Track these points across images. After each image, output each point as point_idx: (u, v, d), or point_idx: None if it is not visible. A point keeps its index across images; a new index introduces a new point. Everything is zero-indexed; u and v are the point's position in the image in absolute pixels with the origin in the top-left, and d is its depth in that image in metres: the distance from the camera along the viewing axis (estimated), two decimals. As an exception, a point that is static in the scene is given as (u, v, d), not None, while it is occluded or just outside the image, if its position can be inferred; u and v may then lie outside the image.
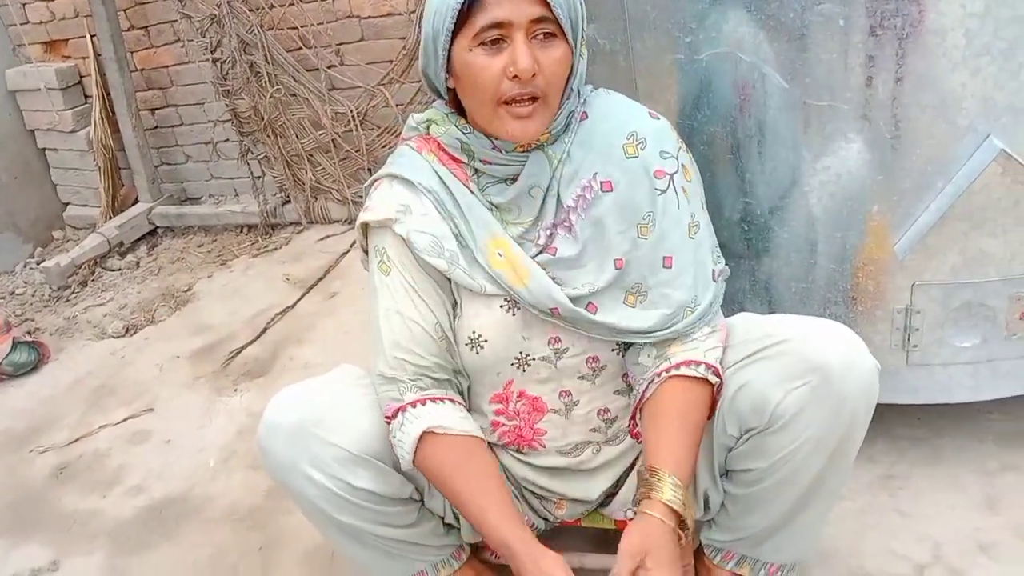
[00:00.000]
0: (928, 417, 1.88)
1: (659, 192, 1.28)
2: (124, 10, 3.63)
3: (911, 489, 1.76)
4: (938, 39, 1.40)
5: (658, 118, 1.32)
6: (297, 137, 3.51)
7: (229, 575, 1.94)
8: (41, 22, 3.85)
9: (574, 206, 1.29)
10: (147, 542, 2.09)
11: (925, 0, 1.38)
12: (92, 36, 3.68)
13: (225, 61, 3.41)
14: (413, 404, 1.29)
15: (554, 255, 1.30)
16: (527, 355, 1.34)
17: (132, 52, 3.72)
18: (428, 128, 1.34)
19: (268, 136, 3.53)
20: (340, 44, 3.33)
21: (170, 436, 2.49)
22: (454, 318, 1.34)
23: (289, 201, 3.72)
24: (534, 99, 1.20)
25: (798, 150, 1.56)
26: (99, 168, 3.85)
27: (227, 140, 3.77)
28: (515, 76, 1.17)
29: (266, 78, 3.38)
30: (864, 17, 1.41)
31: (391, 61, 3.29)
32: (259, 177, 3.71)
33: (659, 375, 1.29)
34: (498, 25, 1.16)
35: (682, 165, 1.30)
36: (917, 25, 1.40)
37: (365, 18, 3.30)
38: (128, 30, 3.67)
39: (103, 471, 2.40)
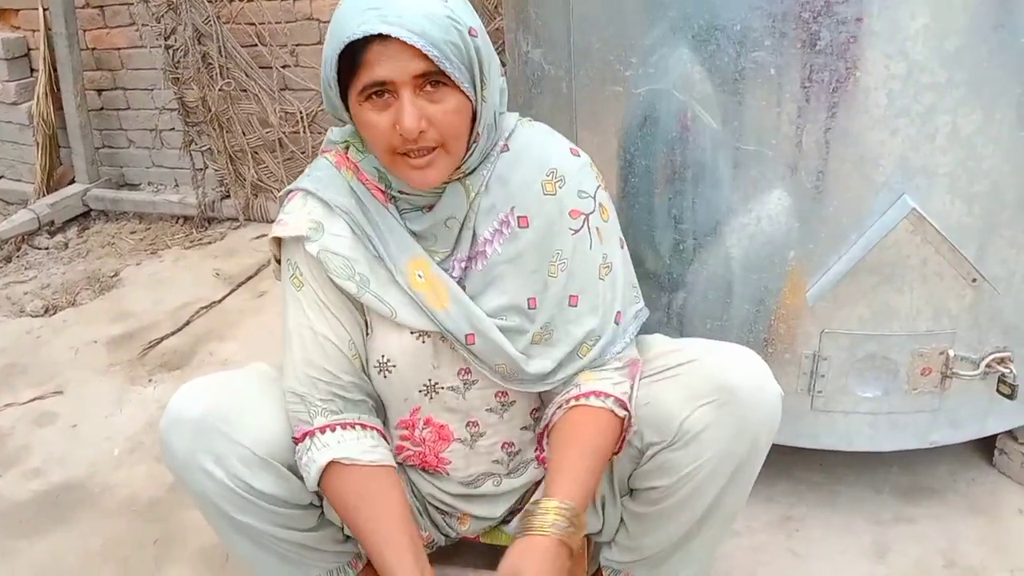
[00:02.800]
0: (830, 463, 1.93)
1: (572, 232, 1.28)
2: (80, -13, 3.58)
3: (806, 532, 1.80)
4: (862, 96, 1.46)
5: (579, 155, 1.31)
6: (243, 133, 3.49)
7: (120, 567, 1.89)
8: (-8, -11, 3.78)
9: (491, 239, 1.28)
10: (39, 527, 2.03)
11: (853, 58, 1.44)
12: (45, 10, 3.61)
13: (178, 49, 3.38)
14: (322, 430, 1.27)
15: (465, 287, 1.29)
16: (436, 383, 1.33)
17: (84, 30, 3.66)
18: (347, 149, 1.31)
19: (214, 129, 3.49)
20: (297, 45, 3.33)
21: (76, 421, 2.43)
22: (365, 338, 1.32)
23: (228, 196, 3.68)
24: (433, 148, 1.17)
25: (724, 191, 1.60)
26: (37, 144, 3.76)
27: (172, 129, 3.73)
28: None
29: (218, 70, 3.36)
30: (795, 69, 1.47)
31: (346, 67, 3.29)
32: (200, 169, 3.66)
33: (567, 402, 1.29)
34: (380, 83, 1.12)
35: (599, 205, 1.30)
36: (844, 81, 1.46)
37: (324, 21, 3.30)
38: (83, 7, 3.62)
39: (2, 451, 2.32)
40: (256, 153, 3.52)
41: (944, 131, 1.46)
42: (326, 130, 3.41)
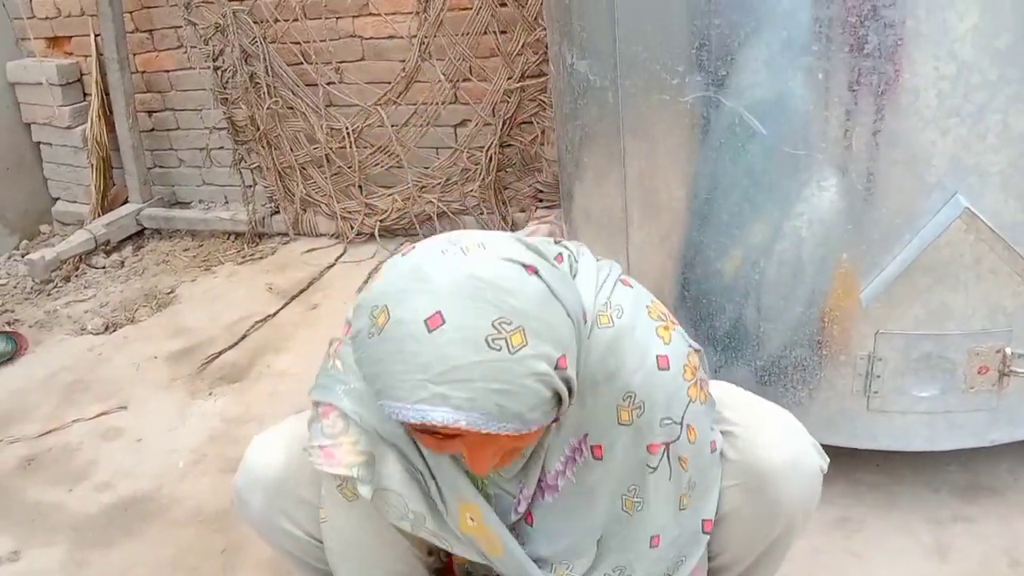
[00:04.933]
0: (887, 464, 1.92)
1: (651, 470, 1.12)
2: (130, 12, 3.67)
3: (865, 532, 1.79)
4: (912, 98, 1.47)
5: (668, 366, 1.08)
6: (291, 149, 3.56)
7: (189, 575, 1.95)
8: (47, 18, 3.89)
9: (562, 470, 1.13)
10: (110, 538, 2.10)
11: (901, 60, 1.45)
12: (96, 35, 3.72)
13: (226, 70, 3.46)
14: None
15: (532, 525, 1.16)
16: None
17: (134, 54, 3.76)
18: None
19: (262, 146, 3.57)
20: (340, 62, 3.39)
21: (142, 435, 2.50)
22: None
23: (278, 212, 3.75)
24: None
25: (775, 195, 1.61)
26: (92, 166, 3.87)
27: (221, 147, 3.81)
28: None
29: (265, 89, 3.43)
30: (843, 72, 1.48)
31: (389, 82, 3.35)
32: (250, 186, 3.74)
33: None
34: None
35: (687, 426, 1.11)
36: (892, 83, 1.47)
37: (367, 39, 3.36)
38: (132, 32, 3.72)
39: (72, 465, 2.40)
40: (304, 169, 3.59)
41: (995, 130, 1.46)
42: (371, 145, 3.50)
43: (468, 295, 0.88)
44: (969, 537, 1.76)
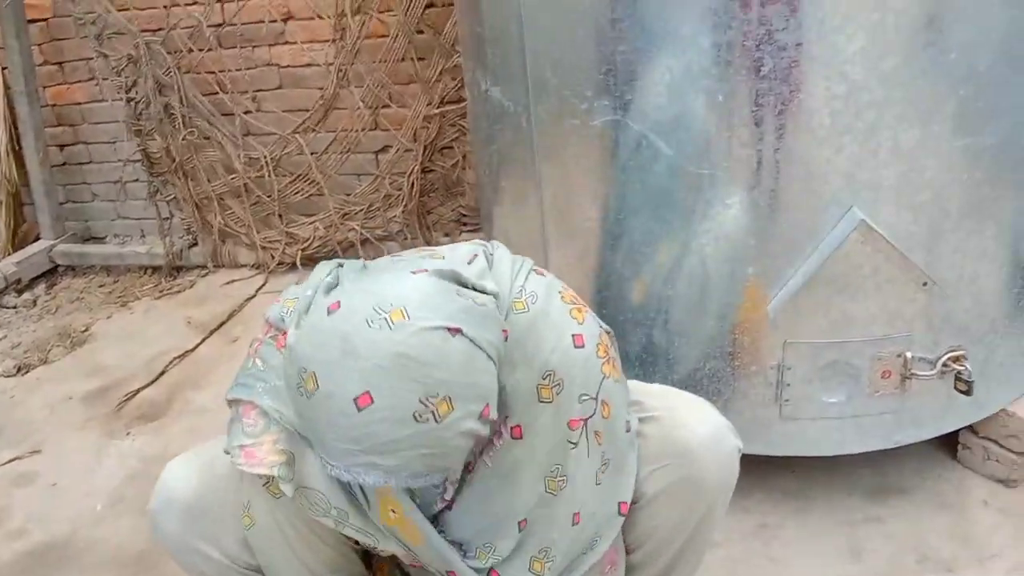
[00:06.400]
0: (801, 469, 1.98)
1: (572, 445, 1.15)
2: (39, 44, 3.58)
3: (782, 538, 1.85)
4: (807, 117, 1.54)
5: (583, 344, 1.15)
6: (208, 180, 3.51)
7: (110, 620, 1.89)
8: (-51, 51, 3.77)
9: (480, 452, 1.15)
10: (24, 586, 2.03)
11: (796, 81, 1.52)
12: (3, 68, 3.62)
13: (139, 101, 3.40)
14: None
15: (451, 510, 1.18)
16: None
17: (44, 87, 3.67)
18: None
19: (179, 178, 3.51)
20: (257, 91, 3.37)
21: (56, 479, 2.42)
22: None
23: (196, 244, 3.69)
24: None
25: (681, 213, 1.67)
26: (1, 203, 3.75)
27: (136, 180, 3.73)
28: None
29: (180, 120, 3.38)
30: (742, 94, 1.54)
31: (308, 110, 3.34)
32: (167, 218, 3.68)
33: None
34: None
35: (602, 402, 1.16)
36: (789, 104, 1.53)
37: (284, 67, 3.35)
38: (42, 64, 3.63)
39: (-18, 513, 2.31)
40: (222, 199, 3.54)
41: (886, 146, 1.54)
42: (291, 174, 3.48)
43: (395, 375, 0.91)
44: (880, 537, 1.83)
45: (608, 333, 1.21)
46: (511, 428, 1.13)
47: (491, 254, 1.17)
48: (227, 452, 1.13)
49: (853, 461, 1.94)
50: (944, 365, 1.71)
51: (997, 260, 1.69)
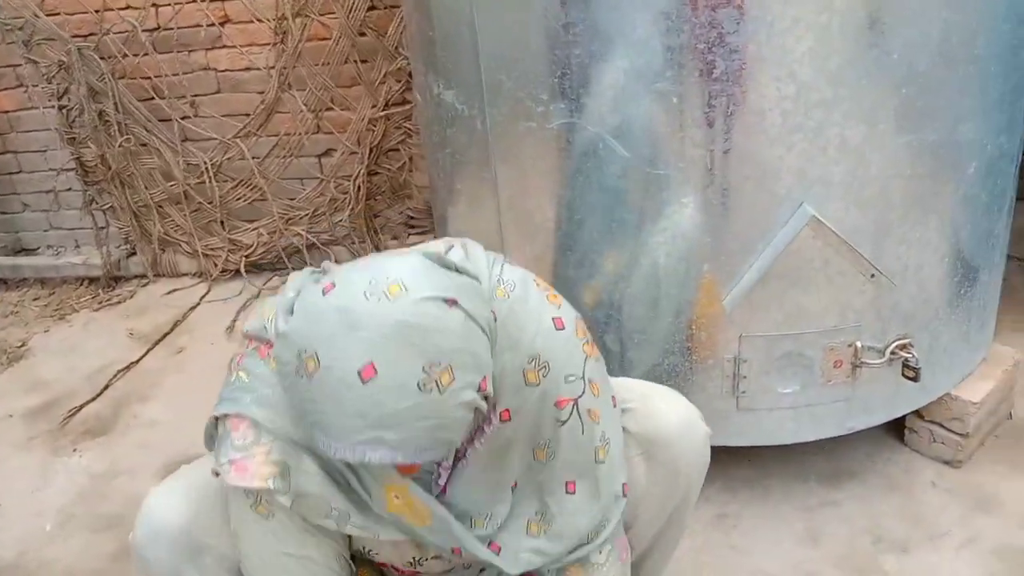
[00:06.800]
0: (758, 458, 2.04)
1: (560, 423, 1.17)
2: (-39, 52, 3.46)
3: (743, 526, 1.90)
4: (758, 117, 1.58)
5: (564, 326, 1.17)
6: (146, 188, 3.43)
7: (67, 644, 1.84)
8: None
9: (471, 439, 1.17)
10: (-27, 614, 1.96)
11: (747, 83, 1.56)
12: (-79, 77, 3.48)
13: (72, 108, 3.30)
14: None
15: (446, 495, 1.19)
16: (420, 559, 1.28)
17: (-32, 95, 3.54)
18: None
19: (115, 186, 3.42)
20: (195, 96, 3.30)
21: (1, 500, 2.34)
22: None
23: (135, 253, 3.60)
24: None
25: (638, 213, 1.70)
26: (-77, 215, 3.61)
27: (69, 189, 3.62)
28: None
29: (116, 127, 3.29)
30: (695, 96, 1.57)
31: (248, 114, 3.29)
32: (103, 228, 3.58)
33: None
34: None
35: (589, 381, 1.19)
36: (741, 104, 1.57)
37: (221, 71, 3.28)
38: (-36, 72, 3.50)
39: (-77, 540, 2.22)
40: (161, 207, 3.46)
41: (834, 143, 1.59)
42: (232, 179, 3.41)
43: (398, 343, 0.91)
44: (836, 520, 1.90)
45: (579, 317, 1.24)
46: (500, 413, 1.14)
47: (464, 247, 1.18)
48: (215, 473, 1.10)
49: (807, 449, 2.00)
50: (892, 353, 1.78)
51: (939, 251, 1.76)
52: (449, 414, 0.94)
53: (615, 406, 1.25)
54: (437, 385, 0.92)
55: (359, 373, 0.90)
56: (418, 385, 0.91)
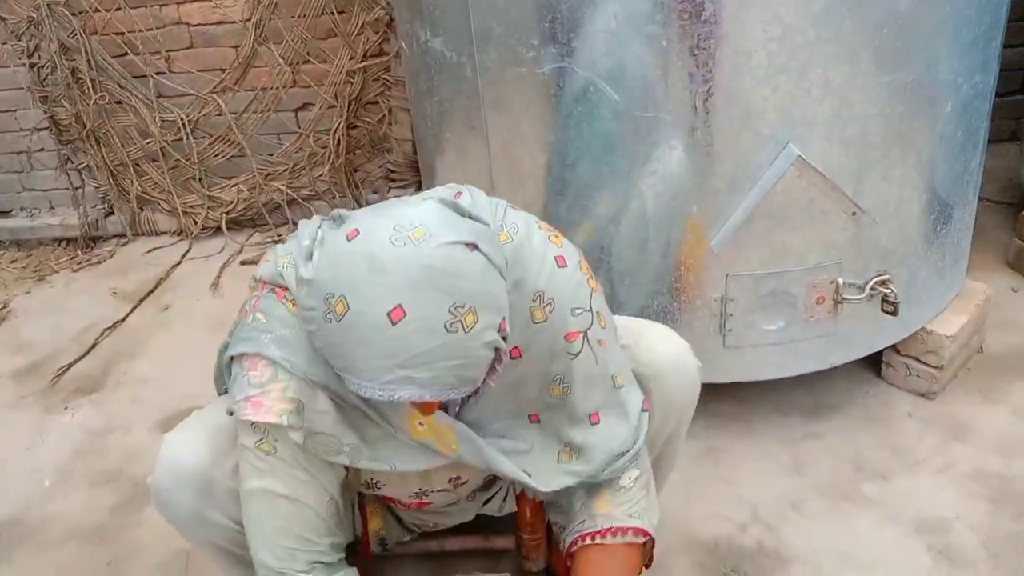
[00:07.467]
0: (743, 394, 2.11)
1: (572, 356, 1.21)
2: (-77, 9, 3.38)
3: (730, 459, 1.97)
4: (745, 59, 1.61)
5: (566, 263, 1.20)
6: (123, 146, 3.40)
7: (76, 593, 1.88)
8: None
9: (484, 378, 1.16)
10: (-21, 568, 1.99)
11: (733, 25, 1.59)
12: None
13: (43, 66, 3.25)
14: None
15: (466, 421, 1.23)
16: (425, 490, 1.34)
17: (-69, 54, 3.46)
18: None
19: (91, 145, 3.39)
20: (169, 51, 3.26)
21: (-3, 458, 2.36)
22: (347, 471, 1.26)
23: (112, 213, 3.58)
24: None
25: (628, 156, 1.73)
26: None
27: (42, 149, 3.58)
28: None
29: (89, 84, 3.25)
30: (683, 39, 1.60)
31: (224, 69, 3.26)
32: (79, 188, 3.55)
33: (583, 538, 1.29)
34: None
35: (596, 313, 1.22)
36: (727, 47, 1.60)
37: (194, 25, 3.25)
38: (-74, 30, 3.42)
39: (-79, 500, 2.24)
40: (138, 165, 3.44)
41: (818, 84, 1.63)
42: (210, 135, 3.39)
43: (425, 286, 0.94)
44: (819, 451, 1.97)
45: (582, 256, 1.28)
46: (510, 351, 1.17)
47: (470, 193, 1.21)
48: (230, 412, 1.15)
49: (790, 385, 2.08)
50: (872, 289, 1.84)
51: (918, 188, 1.82)
52: (474, 353, 0.98)
53: (615, 334, 1.29)
54: (462, 325, 0.96)
55: (388, 315, 0.94)
56: (445, 326, 0.95)
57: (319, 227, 1.13)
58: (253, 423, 1.14)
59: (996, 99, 2.01)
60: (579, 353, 1.21)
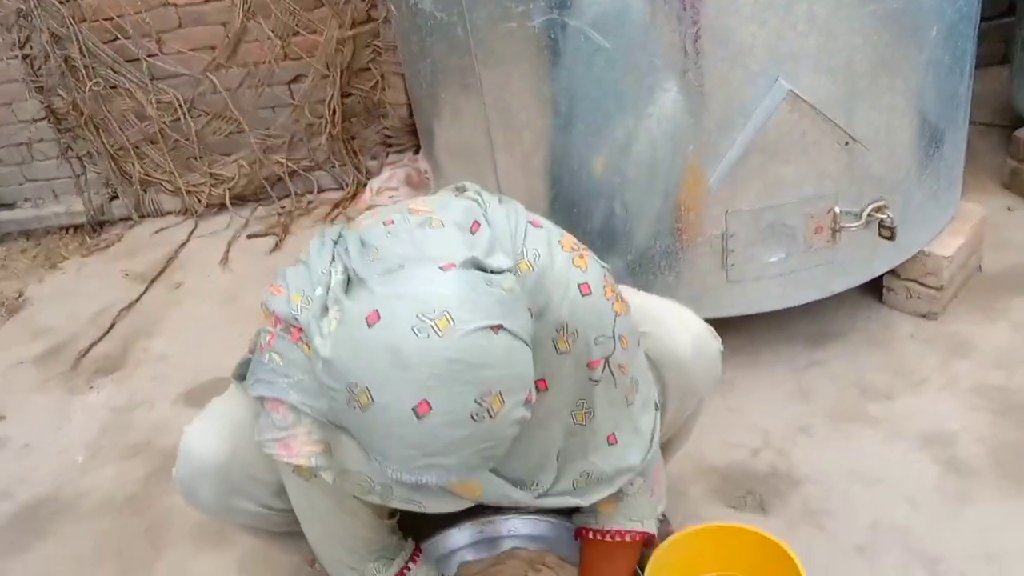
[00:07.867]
0: (747, 327, 2.15)
1: (594, 383, 1.20)
2: (-89, 6, 3.39)
3: (738, 390, 2.03)
4: (730, -3, 1.64)
5: (590, 292, 1.16)
6: (121, 130, 3.43)
7: (117, 561, 1.96)
8: None
9: None
10: (23, 544, 2.06)
11: (717, -35, 1.62)
12: None
13: (36, 57, 3.27)
14: None
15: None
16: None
17: (-77, 52, 3.48)
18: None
19: (90, 131, 3.42)
20: (160, 32, 3.28)
21: (28, 440, 2.43)
22: None
23: (116, 196, 3.62)
24: None
25: (623, 102, 1.77)
26: None
27: (41, 140, 3.61)
28: None
29: (83, 71, 3.28)
30: (668, -18, 1.63)
31: (215, 47, 3.28)
32: (81, 175, 3.59)
33: (585, 531, 1.38)
34: None
35: (619, 338, 1.19)
36: (713, -14, 1.64)
37: (182, 6, 3.25)
38: (-84, 28, 3.43)
39: (-40, 483, 2.31)
40: (138, 148, 3.47)
41: (804, 18, 1.66)
42: (206, 113, 3.42)
43: (450, 380, 0.93)
44: (824, 377, 2.04)
45: (607, 269, 1.24)
46: (536, 384, 1.09)
47: (486, 211, 1.17)
48: (259, 444, 1.16)
49: (793, 314, 2.12)
50: (868, 215, 1.89)
51: (907, 115, 1.86)
52: (501, 434, 0.98)
53: (639, 344, 1.28)
54: (489, 413, 0.95)
55: (414, 410, 0.93)
56: (472, 416, 0.94)
57: (331, 263, 1.11)
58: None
59: (985, 22, 2.04)
60: (600, 380, 1.20)
